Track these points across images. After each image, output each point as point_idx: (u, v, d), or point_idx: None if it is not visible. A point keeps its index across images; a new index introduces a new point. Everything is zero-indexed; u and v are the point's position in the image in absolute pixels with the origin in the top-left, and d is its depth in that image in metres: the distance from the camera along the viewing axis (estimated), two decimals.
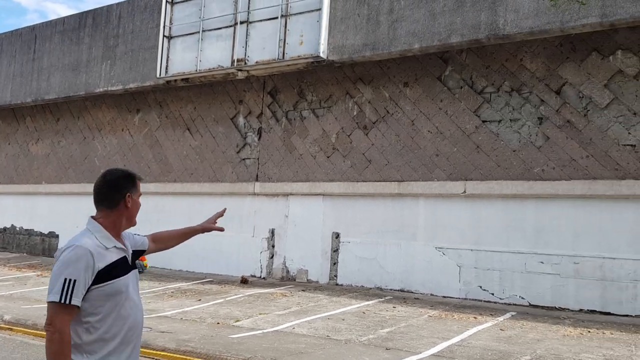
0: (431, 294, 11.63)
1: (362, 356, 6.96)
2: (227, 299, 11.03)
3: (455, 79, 11.90)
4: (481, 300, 11.07)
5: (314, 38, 12.18)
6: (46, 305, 2.37)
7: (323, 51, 12.10)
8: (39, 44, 18.33)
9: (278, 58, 12.59)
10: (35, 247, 19.14)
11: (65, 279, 2.29)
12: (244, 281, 13.16)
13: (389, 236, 12.31)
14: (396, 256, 12.17)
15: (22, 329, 8.37)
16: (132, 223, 2.63)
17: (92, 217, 2.57)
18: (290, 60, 12.50)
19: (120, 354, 2.42)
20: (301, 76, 13.81)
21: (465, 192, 11.42)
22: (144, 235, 2.99)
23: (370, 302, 10.64)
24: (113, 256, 2.45)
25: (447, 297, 11.43)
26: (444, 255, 11.65)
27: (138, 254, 2.80)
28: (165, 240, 3.09)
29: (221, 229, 3.17)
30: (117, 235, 2.55)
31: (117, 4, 16.49)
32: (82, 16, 17.31)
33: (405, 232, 12.12)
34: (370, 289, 12.25)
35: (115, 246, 2.49)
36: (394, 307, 10.28)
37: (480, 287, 11.20)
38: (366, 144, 12.77)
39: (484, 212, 11.39)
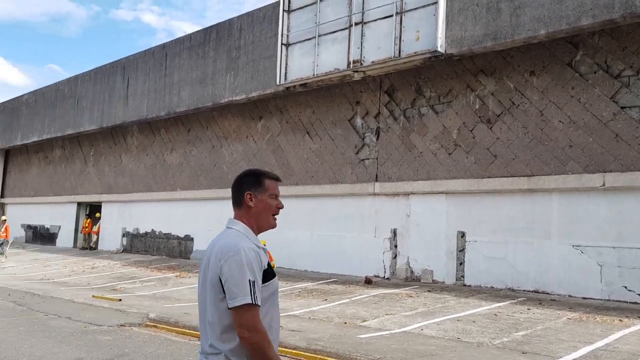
0: (569, 295, 10.85)
1: None
2: (352, 299, 11.08)
3: (587, 64, 11.03)
4: (626, 302, 10.12)
5: (431, 33, 11.89)
6: (215, 308, 2.33)
7: (441, 45, 11.76)
8: (169, 60, 19.70)
9: (394, 56, 12.45)
10: (173, 249, 20.57)
11: (249, 280, 2.27)
12: (368, 281, 13.15)
13: (519, 234, 11.67)
14: (528, 255, 11.51)
15: (166, 326, 8.98)
16: (261, 222, 2.51)
17: (232, 218, 2.56)
18: (407, 57, 12.30)
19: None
20: (418, 73, 13.56)
21: (604, 185, 10.52)
22: None
23: (501, 304, 10.14)
24: (265, 255, 2.45)
25: (587, 298, 10.59)
26: (583, 254, 10.81)
27: None
28: None
29: None
30: (255, 234, 2.53)
31: (238, 17, 17.27)
32: (207, 31, 18.35)
33: (537, 230, 11.42)
34: (501, 289, 11.69)
35: (262, 248, 2.47)
36: (528, 308, 9.72)
37: (625, 287, 10.25)
38: (490, 138, 12.22)
39: (626, 206, 10.43)
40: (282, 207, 2.55)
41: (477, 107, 12.55)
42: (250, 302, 2.23)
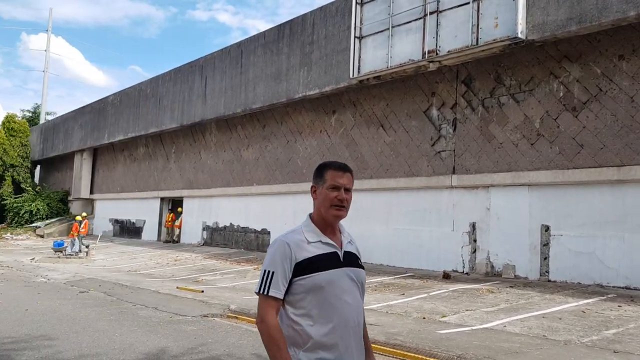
0: None
1: (586, 359, 6.30)
2: (430, 293, 10.89)
3: None
4: None
5: (510, 19, 11.42)
6: None
7: (521, 31, 11.28)
8: (244, 58, 20.12)
9: (472, 44, 12.07)
10: (251, 243, 21.06)
11: (265, 271, 2.33)
12: (446, 276, 12.88)
13: (608, 228, 11.03)
14: (618, 250, 10.86)
15: (246, 317, 9.19)
16: (323, 214, 2.43)
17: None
18: (485, 45, 11.88)
19: (328, 351, 2.30)
20: (497, 61, 13.08)
21: None
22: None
23: (589, 301, 9.63)
24: (316, 250, 2.37)
25: None
26: None
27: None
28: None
29: None
30: (326, 229, 2.45)
31: (310, 12, 17.36)
32: (280, 28, 18.57)
33: (629, 223, 10.75)
34: (589, 285, 11.10)
35: (320, 241, 2.40)
36: (619, 306, 9.17)
37: None
38: (576, 127, 11.61)
39: None
40: (341, 198, 2.42)
41: (561, 94, 11.96)
42: (258, 291, 2.33)
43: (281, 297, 2.32)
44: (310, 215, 2.50)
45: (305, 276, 2.31)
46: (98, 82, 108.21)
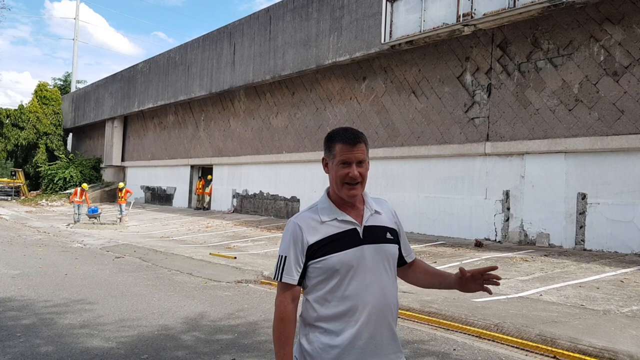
0: None
1: (627, 329, 6.19)
2: (462, 262, 10.81)
3: None
4: None
5: None
6: None
7: None
8: (273, 24, 19.88)
9: (509, 7, 11.67)
10: (280, 210, 21.18)
11: (280, 256, 2.19)
12: (478, 244, 12.77)
13: None
14: None
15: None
16: (337, 191, 2.21)
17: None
18: (523, 7, 11.48)
19: (352, 338, 2.12)
20: (535, 24, 12.65)
21: None
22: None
23: (628, 270, 9.45)
24: (330, 230, 2.15)
25: None
26: None
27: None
28: (419, 270, 2.50)
29: (488, 291, 2.32)
30: (343, 204, 2.23)
31: None
32: None
33: None
34: (626, 255, 10.88)
35: (336, 218, 2.18)
36: None
37: None
38: (617, 92, 11.22)
39: None
40: (353, 175, 2.16)
41: (601, 58, 11.53)
42: (274, 277, 2.19)
43: (295, 282, 2.14)
44: (327, 190, 2.30)
45: (318, 259, 2.14)
46: (124, 49, 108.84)
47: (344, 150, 2.17)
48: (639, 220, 10.85)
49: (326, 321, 2.13)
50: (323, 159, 2.27)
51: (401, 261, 2.42)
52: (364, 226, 2.20)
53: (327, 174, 2.25)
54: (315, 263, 2.14)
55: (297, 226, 2.17)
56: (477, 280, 2.31)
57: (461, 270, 2.31)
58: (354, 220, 2.19)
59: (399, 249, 2.36)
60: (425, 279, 2.47)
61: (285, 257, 2.16)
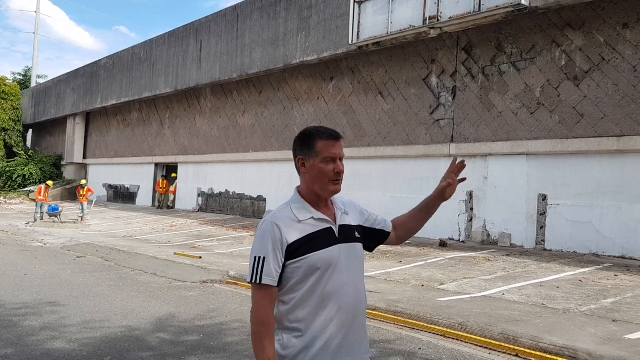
0: None
1: (586, 327, 6.37)
2: (427, 261, 10.97)
3: None
4: None
5: None
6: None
7: None
8: (240, 22, 19.74)
9: (474, 11, 11.88)
10: (247, 209, 21.06)
11: (255, 257, 2.10)
12: (443, 244, 12.97)
13: (606, 198, 11.09)
14: (615, 220, 10.94)
15: (245, 284, 9.20)
16: (317, 190, 2.18)
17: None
18: (488, 11, 11.70)
19: (328, 338, 2.10)
20: (499, 28, 12.91)
21: None
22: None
23: (586, 270, 9.74)
24: (308, 228, 2.13)
25: None
26: None
27: (375, 234, 2.41)
28: (402, 224, 2.52)
29: (461, 179, 2.52)
30: (317, 204, 2.21)
31: None
32: None
33: (627, 194, 10.80)
34: (585, 255, 11.22)
35: (312, 217, 2.16)
36: (615, 275, 9.28)
37: None
38: (577, 96, 11.55)
39: None
40: (340, 171, 2.17)
41: (563, 63, 11.85)
42: (250, 280, 2.11)
43: (275, 284, 2.09)
44: (298, 189, 2.25)
45: (298, 258, 2.10)
46: (86, 44, 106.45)
47: (329, 146, 2.16)
48: (597, 221, 11.20)
49: (301, 322, 2.10)
50: (299, 158, 2.21)
51: (386, 234, 2.46)
52: (338, 225, 2.21)
53: (301, 174, 2.22)
54: (295, 263, 2.10)
55: (275, 226, 2.11)
56: (453, 182, 2.50)
57: (440, 188, 2.50)
58: (329, 219, 2.19)
59: (377, 228, 2.43)
60: (414, 224, 2.56)
61: (264, 257, 2.08)
